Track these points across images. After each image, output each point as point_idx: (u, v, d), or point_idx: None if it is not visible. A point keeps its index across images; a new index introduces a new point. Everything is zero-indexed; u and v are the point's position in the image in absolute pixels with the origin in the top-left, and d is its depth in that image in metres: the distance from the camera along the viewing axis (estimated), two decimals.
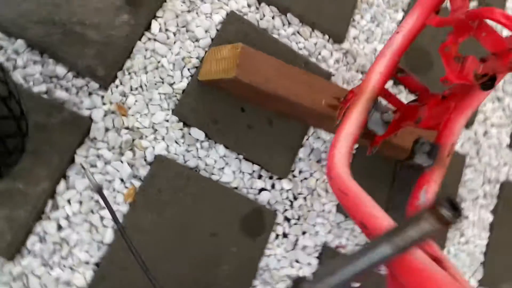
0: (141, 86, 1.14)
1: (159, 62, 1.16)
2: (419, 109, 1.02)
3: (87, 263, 1.01)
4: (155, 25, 1.18)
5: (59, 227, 1.01)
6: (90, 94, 1.09)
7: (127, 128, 1.10)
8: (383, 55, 0.85)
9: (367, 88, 0.83)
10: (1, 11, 1.06)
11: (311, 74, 1.19)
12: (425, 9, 0.85)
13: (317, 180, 1.26)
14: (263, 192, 1.20)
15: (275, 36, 1.31)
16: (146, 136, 1.12)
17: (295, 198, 1.23)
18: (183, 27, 1.21)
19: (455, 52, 0.82)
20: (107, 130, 1.08)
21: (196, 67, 1.19)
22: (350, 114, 0.80)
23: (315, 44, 1.35)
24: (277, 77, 1.13)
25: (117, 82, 1.12)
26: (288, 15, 1.34)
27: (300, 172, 1.25)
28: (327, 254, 1.20)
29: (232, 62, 1.11)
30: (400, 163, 1.29)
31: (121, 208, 1.06)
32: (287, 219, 1.21)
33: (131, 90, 1.13)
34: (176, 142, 1.14)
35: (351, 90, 1.13)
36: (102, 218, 1.04)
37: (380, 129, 0.83)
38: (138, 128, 1.11)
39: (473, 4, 1.61)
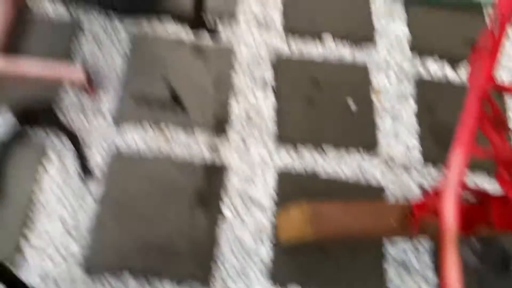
0: (235, 271, 1.26)
1: (242, 242, 1.29)
2: (485, 211, 1.13)
3: None
4: (226, 211, 1.32)
5: None
6: None
7: None
8: (449, 197, 0.97)
9: (448, 230, 0.94)
10: (104, 257, 1.21)
11: (371, 203, 1.33)
12: (465, 146, 0.99)
13: None
14: None
15: (322, 172, 1.45)
16: None
17: None
18: (248, 199, 1.36)
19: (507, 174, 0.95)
20: None
21: (273, 232, 1.33)
22: (446, 263, 0.91)
23: (359, 166, 1.48)
24: (346, 219, 1.25)
25: (215, 274, 1.24)
26: (323, 145, 1.49)
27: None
28: None
29: (305, 222, 1.24)
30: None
31: None
32: None
33: (229, 277, 1.25)
34: None
35: (415, 206, 1.25)
36: None
37: (473, 260, 0.94)
38: None
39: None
